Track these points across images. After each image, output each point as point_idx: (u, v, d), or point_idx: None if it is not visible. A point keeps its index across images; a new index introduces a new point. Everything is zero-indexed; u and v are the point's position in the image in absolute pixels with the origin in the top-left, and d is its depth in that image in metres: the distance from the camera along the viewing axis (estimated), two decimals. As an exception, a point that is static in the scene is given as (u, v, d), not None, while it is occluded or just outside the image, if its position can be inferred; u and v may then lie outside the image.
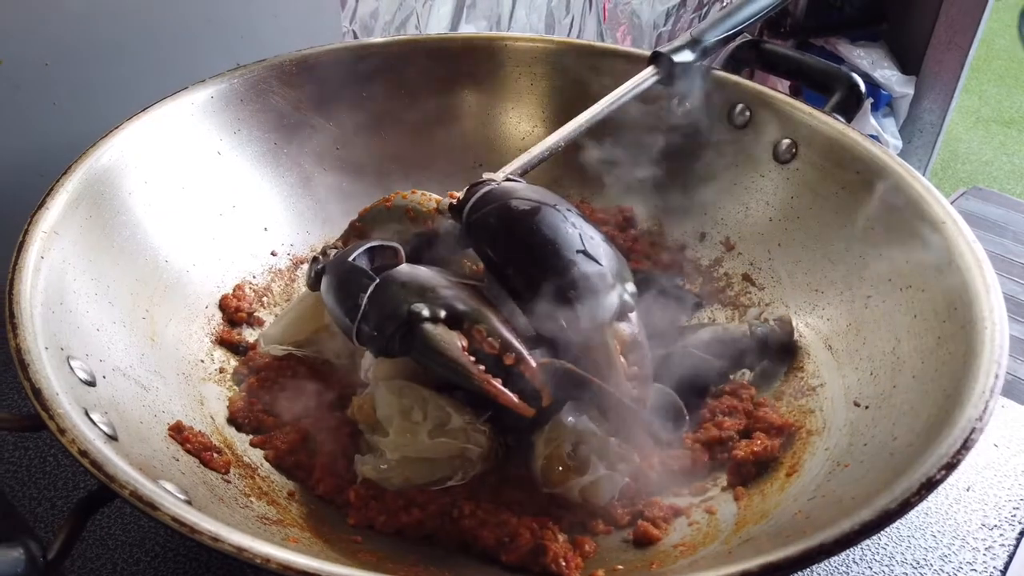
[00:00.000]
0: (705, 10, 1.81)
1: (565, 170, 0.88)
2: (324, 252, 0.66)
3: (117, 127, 0.70)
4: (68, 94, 0.81)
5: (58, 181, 0.63)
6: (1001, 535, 0.68)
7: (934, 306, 0.62)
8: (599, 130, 0.81)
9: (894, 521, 0.43)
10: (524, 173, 0.77)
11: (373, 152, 0.88)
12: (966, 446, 0.47)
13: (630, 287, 0.63)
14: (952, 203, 2.49)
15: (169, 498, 0.43)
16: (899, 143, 1.91)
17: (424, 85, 0.90)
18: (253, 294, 0.76)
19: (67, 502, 0.64)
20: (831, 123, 0.78)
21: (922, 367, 0.59)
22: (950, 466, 0.46)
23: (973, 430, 0.47)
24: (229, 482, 0.56)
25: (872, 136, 1.91)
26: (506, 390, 0.54)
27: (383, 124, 0.89)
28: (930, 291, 0.63)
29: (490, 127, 0.93)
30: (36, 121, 0.80)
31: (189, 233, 0.73)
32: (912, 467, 0.46)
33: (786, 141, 0.81)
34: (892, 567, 0.65)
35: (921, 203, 0.67)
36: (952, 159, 3.57)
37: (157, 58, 0.87)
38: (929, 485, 0.44)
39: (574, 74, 0.91)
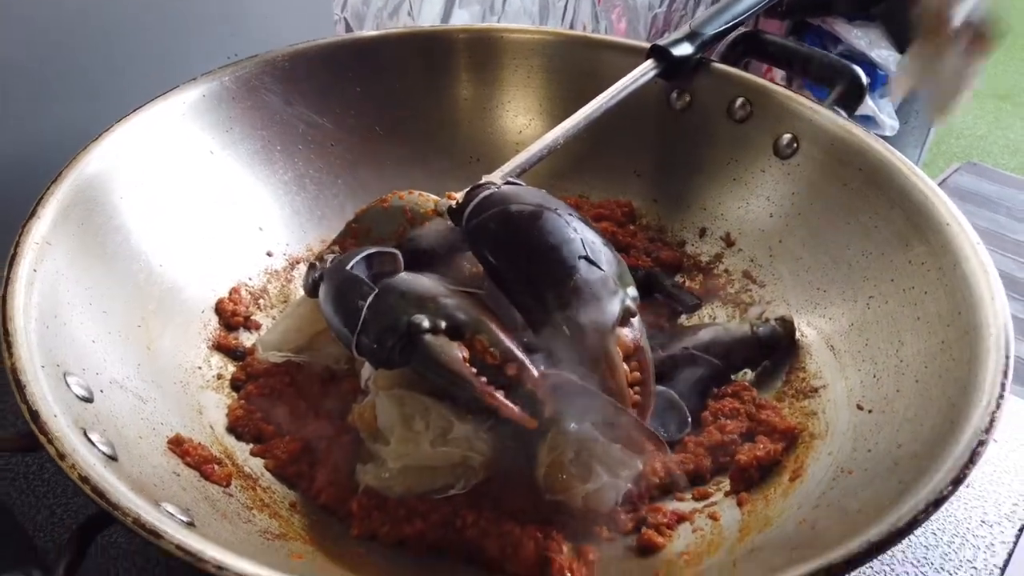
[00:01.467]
0: (701, -9, 1.79)
1: (563, 165, 0.87)
2: (321, 258, 0.66)
3: (107, 129, 0.69)
4: (56, 93, 0.79)
5: (48, 188, 0.62)
6: (1001, 532, 0.69)
7: (938, 309, 0.62)
8: (597, 125, 0.80)
9: (902, 539, 0.43)
10: (522, 172, 0.76)
11: (368, 148, 0.86)
12: (972, 460, 0.46)
13: (632, 291, 0.62)
14: (946, 178, 2.48)
15: (172, 524, 0.42)
16: (896, 123, 1.89)
17: (419, 79, 0.89)
18: (249, 297, 0.75)
19: (71, 515, 0.64)
20: (833, 118, 0.77)
21: (925, 372, 0.59)
22: (957, 481, 0.45)
23: (980, 443, 0.47)
24: (231, 495, 0.56)
25: (868, 117, 1.90)
26: (508, 402, 0.54)
27: (377, 120, 0.87)
28: (933, 293, 0.63)
29: (486, 121, 0.91)
30: (24, 121, 0.78)
31: (183, 236, 0.72)
32: (919, 481, 0.46)
33: (787, 136, 0.80)
34: (893, 566, 0.65)
35: (925, 203, 0.67)
36: (946, 134, 3.56)
37: (147, 52, 0.86)
38: (937, 503, 0.44)
39: (571, 66, 0.90)
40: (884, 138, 1.46)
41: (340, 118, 0.86)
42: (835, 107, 0.78)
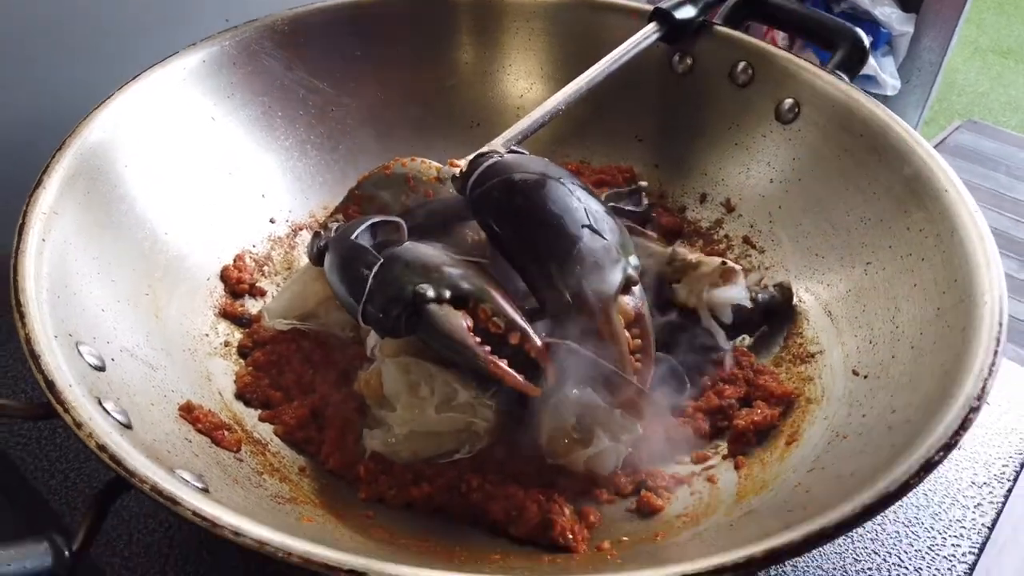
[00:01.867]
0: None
1: (565, 130, 0.87)
2: (325, 226, 0.66)
3: (109, 97, 0.69)
4: (53, 60, 0.79)
5: (53, 158, 0.62)
6: (990, 492, 0.71)
7: (934, 276, 0.62)
8: (599, 89, 0.80)
9: (893, 504, 0.44)
10: (524, 139, 0.76)
11: (369, 113, 0.86)
12: (964, 426, 0.48)
13: (633, 260, 0.63)
14: (946, 137, 2.47)
15: (188, 490, 0.44)
16: (897, 83, 1.88)
17: (419, 42, 0.88)
18: (254, 264, 0.75)
19: (84, 479, 0.65)
20: (835, 83, 0.77)
21: (921, 338, 0.60)
22: (948, 447, 0.47)
23: (972, 410, 0.49)
24: (241, 460, 0.57)
25: (869, 76, 1.88)
26: (511, 371, 0.55)
27: (378, 84, 0.87)
28: (930, 260, 0.64)
29: (487, 85, 0.91)
30: (23, 90, 0.78)
31: (187, 203, 0.73)
32: (911, 446, 0.48)
33: (789, 101, 0.80)
34: (884, 525, 0.67)
35: (924, 169, 0.67)
36: (948, 90, 3.53)
37: (145, 16, 0.85)
38: (928, 467, 0.46)
39: (573, 29, 0.89)
40: (886, 98, 1.45)
41: (341, 83, 0.86)
42: (837, 71, 0.78)
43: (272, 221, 0.79)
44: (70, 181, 0.62)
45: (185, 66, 0.75)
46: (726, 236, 0.82)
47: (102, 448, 0.44)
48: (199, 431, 0.57)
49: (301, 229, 0.81)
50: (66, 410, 0.46)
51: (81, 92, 0.69)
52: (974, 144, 3.14)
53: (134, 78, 0.71)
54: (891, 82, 1.89)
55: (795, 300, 0.73)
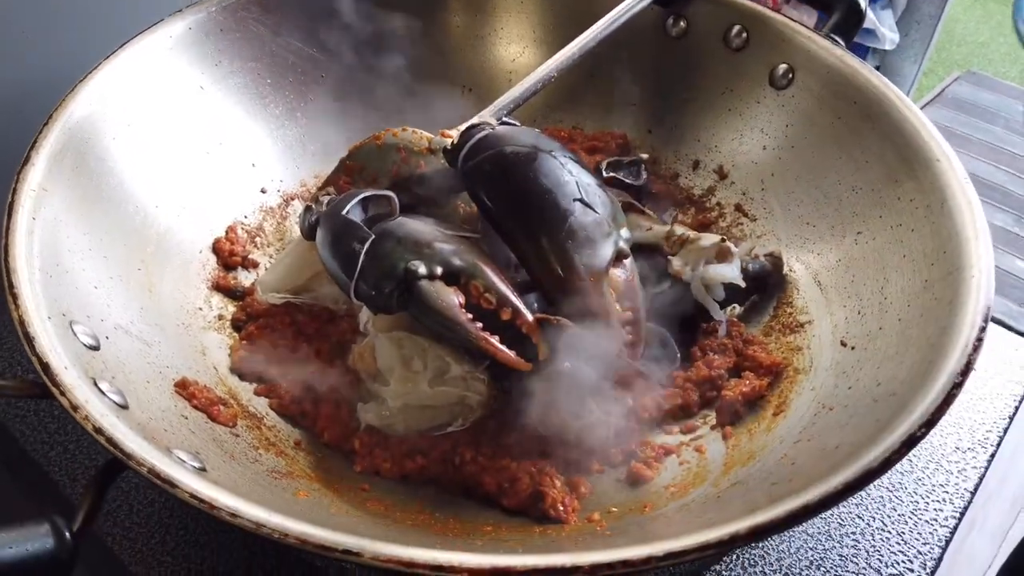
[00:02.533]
0: None
1: (557, 96, 0.87)
2: (316, 199, 0.66)
3: (94, 68, 0.68)
4: (40, 31, 0.78)
5: (40, 133, 0.62)
6: (974, 457, 0.72)
7: (923, 247, 0.63)
8: (592, 53, 0.79)
9: (876, 479, 0.45)
10: (517, 107, 0.76)
11: (359, 79, 0.85)
12: (947, 403, 0.49)
13: (624, 232, 0.63)
14: (945, 88, 2.44)
15: (185, 472, 0.44)
16: (896, 36, 1.86)
17: (410, 5, 0.86)
18: (246, 235, 0.75)
19: (83, 451, 0.66)
20: (830, 48, 0.76)
21: (908, 310, 0.60)
22: (931, 423, 0.48)
23: (955, 386, 0.49)
24: (237, 436, 0.58)
25: (868, 30, 1.86)
26: (503, 347, 0.56)
27: (368, 49, 0.85)
28: (920, 231, 0.64)
29: (479, 49, 0.90)
30: (7, 56, 0.77)
31: (177, 175, 0.72)
32: (894, 422, 0.48)
33: (783, 66, 0.79)
34: (869, 491, 0.69)
35: (916, 138, 0.67)
36: (948, 41, 3.48)
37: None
38: (910, 443, 0.47)
39: (565, -9, 0.88)
40: (884, 52, 1.43)
41: (328, 48, 0.84)
42: (832, 35, 0.77)
43: (263, 191, 0.79)
44: (58, 156, 0.61)
45: (171, 34, 0.74)
46: (718, 204, 0.81)
47: (99, 431, 0.45)
48: (195, 407, 0.57)
49: (293, 199, 0.81)
50: (62, 393, 0.47)
51: (67, 63, 0.68)
52: (972, 96, 3.10)
53: (119, 47, 0.70)
54: (890, 36, 1.87)
55: (786, 270, 0.73)
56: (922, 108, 2.93)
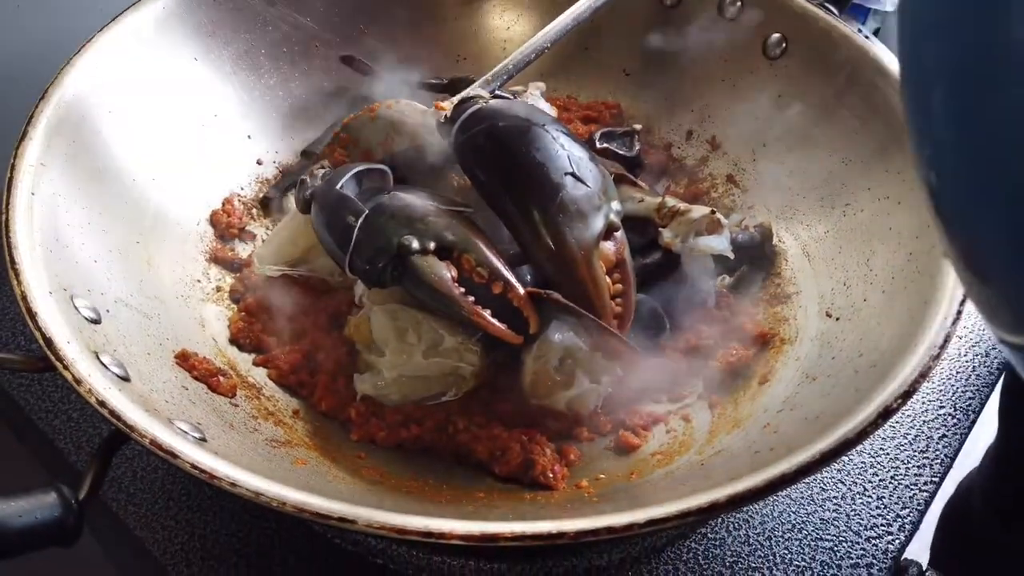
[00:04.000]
0: None
1: (551, 65, 0.87)
2: (312, 173, 0.67)
3: (89, 40, 0.68)
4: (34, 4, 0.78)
5: (36, 108, 0.62)
6: (956, 423, 0.74)
7: (909, 220, 0.64)
8: (586, 23, 0.79)
9: (853, 448, 0.47)
10: (510, 78, 0.76)
11: (353, 49, 0.85)
12: (924, 375, 0.50)
13: (615, 205, 0.64)
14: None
15: (186, 443, 0.46)
16: (897, -4, 1.83)
17: (404, -26, 0.86)
18: (242, 207, 0.76)
19: (87, 419, 0.68)
20: (823, 17, 0.76)
21: (892, 283, 0.62)
22: (907, 395, 0.49)
23: (933, 359, 0.51)
24: (237, 406, 0.60)
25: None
26: (494, 321, 0.57)
27: (362, 18, 0.86)
28: (906, 204, 0.65)
29: (473, 18, 0.90)
30: (1, 30, 0.77)
31: (173, 148, 0.73)
32: (873, 392, 0.50)
33: (776, 35, 0.79)
34: (851, 456, 0.71)
35: (906, 110, 0.67)
36: (952, -1, 3.44)
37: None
38: (886, 414, 0.48)
39: (559, -42, 0.87)
40: (886, 14, 1.42)
41: (323, 17, 0.84)
42: (825, 3, 0.77)
43: (259, 163, 0.80)
44: (55, 130, 0.62)
45: (165, 5, 0.74)
46: (710, 175, 0.82)
47: (102, 403, 0.47)
48: (195, 378, 0.59)
49: (289, 171, 0.81)
50: (65, 366, 0.48)
51: (62, 37, 0.68)
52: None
53: (113, 19, 0.70)
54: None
55: (775, 241, 0.74)
56: (924, 69, 2.91)
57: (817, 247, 0.71)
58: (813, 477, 0.69)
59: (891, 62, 0.71)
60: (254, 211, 0.77)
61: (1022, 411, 0.88)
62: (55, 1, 0.79)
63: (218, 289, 0.70)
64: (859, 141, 0.71)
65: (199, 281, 0.70)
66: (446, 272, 0.57)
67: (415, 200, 0.61)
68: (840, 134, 0.73)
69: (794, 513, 0.66)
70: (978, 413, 0.75)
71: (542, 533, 0.42)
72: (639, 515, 0.43)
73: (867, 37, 0.74)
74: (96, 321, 0.55)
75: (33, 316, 0.50)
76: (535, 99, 0.78)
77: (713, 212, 0.68)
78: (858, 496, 0.67)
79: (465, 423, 0.60)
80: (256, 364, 0.66)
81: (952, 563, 0.99)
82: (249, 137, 0.80)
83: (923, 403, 0.75)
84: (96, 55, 0.68)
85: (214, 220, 0.74)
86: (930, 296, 0.56)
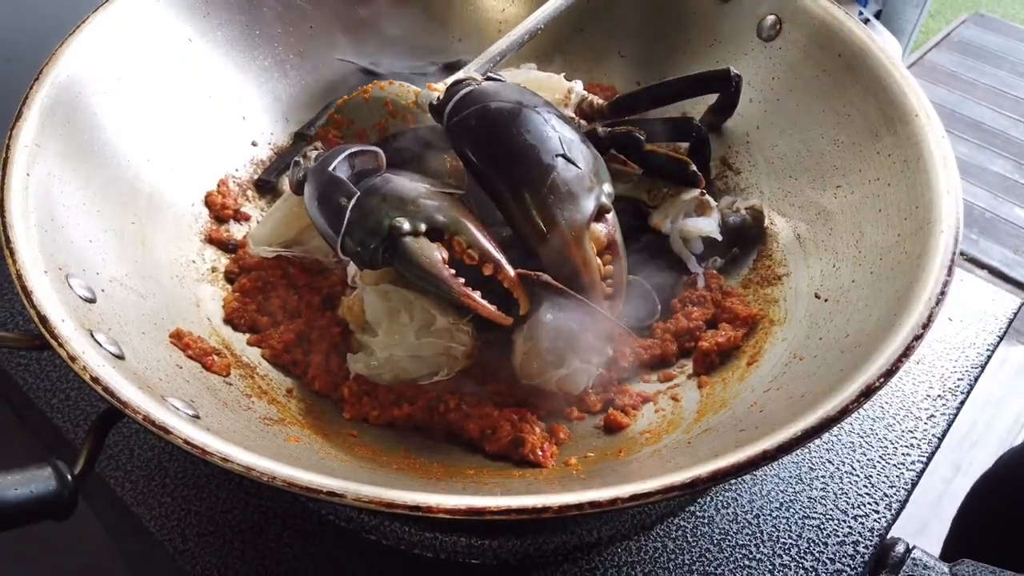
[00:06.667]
0: None
1: (546, 47, 0.87)
2: (305, 155, 0.67)
3: (83, 21, 0.68)
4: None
5: (31, 88, 0.63)
6: (944, 404, 0.75)
7: (898, 201, 0.64)
8: (580, 5, 0.79)
9: (835, 426, 0.48)
10: (503, 59, 0.76)
11: (347, 30, 0.85)
12: (906, 354, 0.51)
13: (607, 187, 0.65)
14: (951, 31, 2.39)
15: (178, 419, 0.47)
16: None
17: (398, -45, 0.86)
18: (237, 188, 0.77)
19: (84, 397, 0.69)
20: (818, 0, 0.76)
21: (880, 264, 0.62)
22: (889, 373, 0.50)
23: (916, 338, 0.51)
24: (230, 384, 0.60)
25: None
26: (484, 302, 0.58)
27: (356, 1, 0.85)
28: (896, 186, 0.65)
29: (468, -1, 0.90)
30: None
31: (168, 129, 0.73)
32: (856, 371, 0.51)
33: (771, 17, 0.79)
34: (840, 436, 0.72)
35: (897, 93, 0.68)
36: (957, -19, 3.41)
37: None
38: (868, 392, 0.49)
39: (555, -60, 0.87)
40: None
41: (318, -1, 0.85)
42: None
43: (254, 144, 0.80)
44: (50, 111, 0.63)
45: (158, -15, 0.74)
46: (704, 156, 0.82)
47: (96, 380, 0.47)
48: (189, 357, 0.60)
49: (283, 152, 0.81)
50: (60, 344, 0.49)
51: (56, 16, 0.68)
52: (980, 39, 3.06)
53: (107, 0, 0.71)
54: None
55: (766, 223, 0.75)
56: (927, 51, 2.89)
57: (808, 229, 0.72)
58: (801, 456, 0.70)
59: (885, 46, 0.71)
60: (249, 192, 0.78)
61: None
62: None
63: (213, 269, 0.71)
64: (851, 123, 0.71)
65: (194, 261, 0.70)
66: (437, 254, 0.58)
67: (407, 182, 0.62)
68: (833, 116, 0.73)
69: (782, 492, 0.67)
70: (967, 394, 0.76)
71: (527, 507, 0.43)
72: (623, 490, 0.44)
73: (867, 20, 0.74)
74: (91, 300, 0.56)
75: (28, 295, 0.51)
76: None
77: (703, 194, 0.68)
78: (846, 475, 0.68)
79: (456, 402, 0.61)
80: (250, 344, 0.66)
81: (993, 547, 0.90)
82: (244, 118, 0.80)
83: (912, 384, 0.76)
84: (91, 36, 0.68)
85: (209, 201, 0.74)
86: (915, 277, 0.56)
